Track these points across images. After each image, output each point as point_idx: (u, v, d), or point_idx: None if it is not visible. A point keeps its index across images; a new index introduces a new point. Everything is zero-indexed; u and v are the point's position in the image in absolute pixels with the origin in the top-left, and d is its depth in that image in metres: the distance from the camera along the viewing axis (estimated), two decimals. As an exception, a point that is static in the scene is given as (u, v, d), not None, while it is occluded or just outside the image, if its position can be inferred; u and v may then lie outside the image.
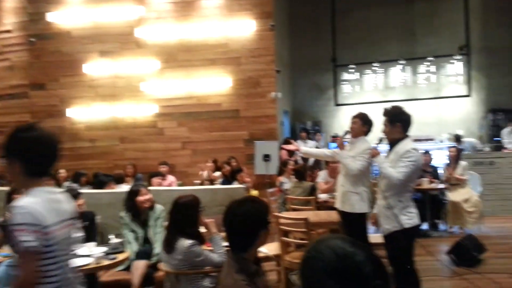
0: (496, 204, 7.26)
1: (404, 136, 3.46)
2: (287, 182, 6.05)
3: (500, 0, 10.18)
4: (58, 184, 6.66)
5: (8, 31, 8.87)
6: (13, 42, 8.82)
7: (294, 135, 10.17)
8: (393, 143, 3.49)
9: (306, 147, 4.12)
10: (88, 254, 3.20)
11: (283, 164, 6.67)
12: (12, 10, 8.90)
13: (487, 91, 10.28)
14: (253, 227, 1.91)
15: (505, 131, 8.37)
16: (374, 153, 3.49)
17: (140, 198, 3.77)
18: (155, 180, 5.66)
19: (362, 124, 4.08)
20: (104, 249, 3.32)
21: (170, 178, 7.27)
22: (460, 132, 9.91)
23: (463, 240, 4.97)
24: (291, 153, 8.39)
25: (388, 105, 3.66)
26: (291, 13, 10.89)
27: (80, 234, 3.76)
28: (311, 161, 8.66)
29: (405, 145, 3.39)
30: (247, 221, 1.91)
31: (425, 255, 5.21)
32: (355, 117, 4.19)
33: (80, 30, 8.52)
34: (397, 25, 10.54)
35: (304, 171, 5.75)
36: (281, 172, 6.60)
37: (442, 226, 6.63)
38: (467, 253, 4.83)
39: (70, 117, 8.57)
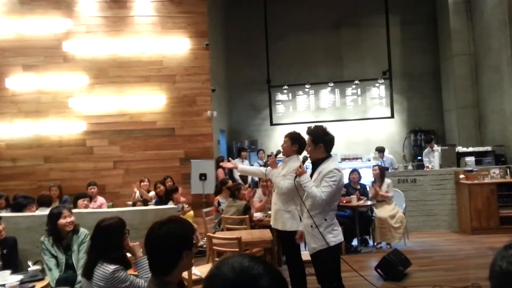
0: (420, 219, 7.75)
1: (327, 156, 3.55)
2: (225, 202, 6.01)
3: (416, 30, 11.13)
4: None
5: None
6: None
7: (231, 154, 10.20)
8: (316, 162, 3.57)
9: (242, 166, 4.10)
10: (1, 283, 2.91)
11: (221, 183, 6.63)
12: None
13: (408, 113, 11.11)
14: (175, 248, 1.83)
15: (425, 151, 9.03)
16: (299, 172, 3.51)
17: (62, 221, 3.52)
18: (81, 202, 5.33)
19: (292, 143, 4.18)
20: (20, 277, 3.04)
21: (100, 200, 6.91)
22: (386, 151, 10.59)
23: (389, 255, 5.21)
24: (226, 172, 8.40)
25: (311, 125, 3.74)
26: (227, 33, 11.07)
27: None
28: (249, 179, 8.73)
29: (328, 165, 3.47)
30: (168, 242, 1.83)
31: (354, 271, 5.40)
32: (285, 136, 4.29)
33: (2, 42, 7.97)
34: (326, 50, 11.13)
35: (238, 189, 5.74)
36: (219, 191, 6.54)
37: (371, 242, 6.90)
38: (393, 267, 5.07)
39: (-11, 134, 7.90)
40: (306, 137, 3.73)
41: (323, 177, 3.41)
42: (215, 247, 4.18)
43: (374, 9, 11.03)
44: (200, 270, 4.10)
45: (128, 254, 2.86)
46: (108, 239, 2.70)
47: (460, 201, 7.61)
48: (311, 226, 3.47)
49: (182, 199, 6.39)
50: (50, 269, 3.47)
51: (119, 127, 8.03)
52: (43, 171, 7.95)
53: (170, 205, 5.62)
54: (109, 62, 8.07)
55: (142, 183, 7.20)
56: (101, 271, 2.64)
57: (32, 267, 3.25)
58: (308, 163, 3.86)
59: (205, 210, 6.16)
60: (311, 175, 3.57)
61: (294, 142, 4.17)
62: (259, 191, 6.45)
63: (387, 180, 6.94)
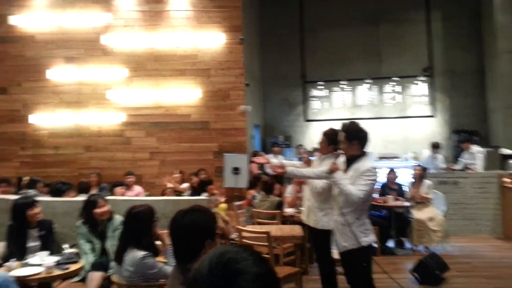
0: (460, 223, 7.41)
1: (362, 153, 3.43)
2: (259, 196, 5.99)
3: (459, 26, 10.65)
4: (19, 191, 6.32)
5: (-33, 33, 8.49)
6: (-27, 44, 8.44)
7: (264, 149, 10.15)
8: (351, 159, 3.45)
9: (291, 167, 3.92)
10: (39, 263, 3.01)
11: (255, 178, 6.60)
12: (-27, 11, 8.53)
13: (450, 112, 10.65)
14: (197, 237, 1.84)
15: (464, 153, 8.61)
16: (333, 169, 3.39)
17: (98, 210, 3.60)
18: (118, 190, 5.46)
19: (328, 144, 4.06)
20: (56, 258, 3.13)
21: (137, 189, 7.07)
22: (426, 151, 10.22)
23: (427, 258, 5.01)
24: (260, 166, 8.37)
25: (345, 122, 3.60)
26: (261, 28, 11.01)
27: (36, 243, 3.58)
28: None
29: (365, 163, 3.36)
30: (191, 231, 1.84)
31: (388, 273, 5.23)
32: (323, 134, 4.16)
33: (44, 35, 8.25)
34: (364, 45, 10.83)
35: (272, 184, 5.69)
36: (253, 186, 6.52)
37: (407, 244, 6.68)
38: (430, 271, 4.87)
39: (33, 123, 8.22)
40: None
41: (360, 175, 3.29)
42: (245, 240, 4.15)
43: (414, 3, 10.66)
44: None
45: (158, 242, 2.88)
46: (138, 226, 2.74)
47: (505, 206, 7.22)
48: (342, 224, 3.37)
49: (216, 191, 6.40)
50: (85, 253, 3.55)
51: (155, 119, 8.16)
52: (83, 159, 8.20)
53: (203, 196, 5.64)
54: (146, 55, 8.21)
55: (174, 175, 7.27)
56: (131, 257, 2.67)
57: (68, 250, 3.33)
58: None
59: (237, 203, 6.15)
60: (345, 172, 3.45)
61: (331, 143, 4.03)
62: (290, 187, 6.37)
63: (427, 181, 6.68)
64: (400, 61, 10.70)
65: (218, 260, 0.88)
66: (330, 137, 4.05)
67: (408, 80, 10.68)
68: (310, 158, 4.28)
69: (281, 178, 8.23)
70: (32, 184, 6.01)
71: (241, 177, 7.74)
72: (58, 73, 8.21)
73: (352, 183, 3.29)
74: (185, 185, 7.17)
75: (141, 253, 2.65)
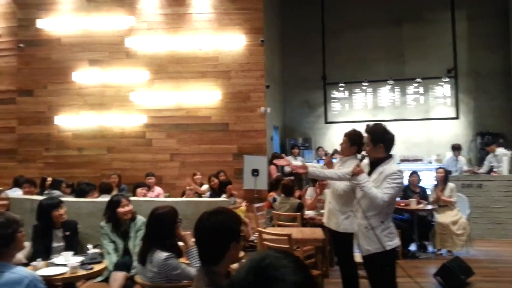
0: (485, 227, 7.22)
1: (387, 155, 3.36)
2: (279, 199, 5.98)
3: (485, 26, 10.40)
4: (42, 191, 6.49)
5: (-3, 36, 8.78)
6: (1, 47, 8.71)
7: (284, 151, 10.13)
8: (375, 162, 3.38)
9: (313, 168, 3.89)
10: (64, 263, 3.07)
11: (276, 180, 6.59)
12: (2, 16, 8.81)
13: (474, 114, 10.41)
14: (222, 239, 1.84)
15: (488, 156, 8.39)
16: (357, 171, 3.32)
17: (121, 209, 3.65)
18: (140, 191, 5.54)
19: (350, 145, 4.00)
20: (81, 258, 3.19)
21: (158, 190, 7.15)
22: (449, 153, 10.01)
23: (450, 262, 4.90)
24: (279, 168, 8.36)
25: (370, 123, 3.54)
26: (282, 30, 10.99)
27: (60, 243, 3.66)
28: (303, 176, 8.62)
29: (390, 166, 3.29)
30: (216, 233, 1.85)
31: (412, 277, 5.14)
32: (344, 135, 4.11)
33: (70, 38, 8.45)
34: (386, 46, 10.69)
35: (292, 187, 5.66)
36: (274, 188, 6.51)
37: (430, 248, 6.55)
38: (454, 276, 4.76)
39: (58, 124, 8.43)
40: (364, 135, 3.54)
41: (385, 178, 3.23)
42: (265, 243, 4.14)
43: (439, 3, 10.46)
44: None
45: (180, 243, 2.90)
46: (161, 227, 2.77)
47: (532, 210, 7.00)
48: (366, 227, 3.31)
49: (235, 192, 6.42)
50: (108, 253, 3.61)
51: (176, 121, 8.25)
52: (106, 160, 8.35)
53: (223, 198, 5.67)
54: (168, 58, 8.31)
55: (194, 177, 7.33)
56: (154, 258, 2.70)
57: (92, 250, 3.39)
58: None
59: (256, 205, 6.15)
60: (369, 175, 3.39)
61: (353, 144, 3.98)
62: (310, 189, 6.33)
63: (451, 184, 6.54)
64: (423, 62, 10.51)
65: (257, 264, 0.88)
66: (352, 138, 3.99)
67: (431, 81, 10.49)
68: (332, 160, 4.21)
69: (300, 180, 8.22)
70: (55, 185, 6.15)
71: (260, 179, 7.74)
72: (83, 76, 8.40)
73: (376, 186, 3.24)
74: (205, 187, 7.22)
75: (164, 254, 2.68)
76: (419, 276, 5.23)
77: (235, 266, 3.83)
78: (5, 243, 2.16)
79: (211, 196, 6.34)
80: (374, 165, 3.39)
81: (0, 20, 8.81)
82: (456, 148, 8.53)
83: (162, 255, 2.68)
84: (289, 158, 7.46)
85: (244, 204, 6.46)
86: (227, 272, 1.97)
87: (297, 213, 5.20)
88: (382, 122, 3.62)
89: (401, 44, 10.74)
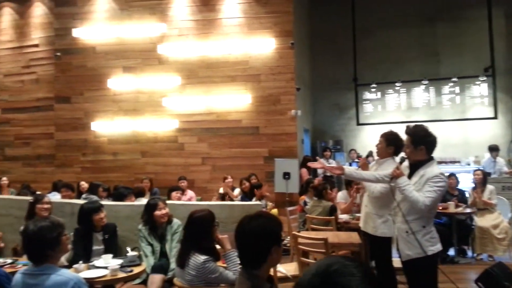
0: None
1: (428, 158, 3.25)
2: (311, 202, 5.93)
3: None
4: (79, 196, 6.70)
5: (35, 45, 9.17)
6: (40, 56, 9.09)
7: (314, 153, 10.04)
8: (416, 164, 3.27)
9: (349, 168, 3.82)
10: (104, 266, 3.14)
11: (307, 183, 6.53)
12: (40, 26, 9.20)
13: (514, 113, 9.98)
14: (264, 243, 1.84)
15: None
16: (397, 174, 3.22)
17: (158, 212, 3.71)
18: (174, 194, 5.62)
19: (387, 145, 3.91)
20: (120, 261, 3.26)
21: (190, 193, 7.24)
22: (487, 155, 9.64)
23: (493, 268, 4.69)
24: (311, 171, 8.28)
25: (411, 124, 3.42)
26: (312, 32, 10.91)
27: (100, 246, 3.76)
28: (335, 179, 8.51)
29: (432, 169, 3.17)
30: (257, 237, 1.84)
31: (451, 283, 4.96)
32: (380, 136, 4.02)
33: (104, 46, 8.71)
34: (420, 45, 10.42)
35: (324, 189, 5.59)
36: (304, 191, 6.45)
37: (469, 253, 6.33)
38: (497, 282, 4.55)
39: (94, 130, 8.69)
40: (404, 137, 3.44)
41: (427, 181, 3.13)
42: (300, 246, 4.10)
43: (475, 1, 10.11)
44: (285, 268, 4.06)
45: (217, 246, 2.91)
46: (199, 230, 2.79)
47: None
48: (407, 232, 3.22)
49: (266, 194, 6.39)
50: (146, 256, 3.67)
51: (207, 125, 8.33)
52: (139, 164, 8.53)
53: (255, 201, 5.67)
54: (198, 63, 8.41)
55: (226, 180, 7.36)
56: (193, 261, 2.72)
57: (131, 253, 3.46)
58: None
59: (289, 208, 6.11)
60: (409, 177, 3.29)
61: (390, 144, 3.88)
62: (342, 192, 6.23)
63: (490, 187, 6.30)
64: (459, 60, 10.18)
65: (325, 269, 0.88)
66: (389, 138, 3.90)
67: (468, 80, 10.14)
68: (368, 163, 4.13)
69: (332, 183, 8.11)
70: (93, 189, 6.32)
71: (291, 182, 7.69)
72: (117, 82, 8.62)
73: (417, 190, 3.14)
74: (237, 190, 7.24)
75: (202, 258, 2.69)
76: (458, 282, 5.04)
77: (280, 269, 3.83)
78: (51, 246, 2.23)
79: (242, 200, 6.34)
80: (414, 168, 3.29)
81: (39, 30, 9.19)
82: (493, 149, 8.21)
83: (200, 258, 2.70)
84: (322, 161, 7.38)
85: (272, 205, 6.43)
86: (268, 276, 1.96)
87: (331, 217, 5.13)
88: (417, 123, 3.51)
89: (435, 43, 10.45)
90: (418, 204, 3.09)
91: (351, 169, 3.85)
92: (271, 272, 3.63)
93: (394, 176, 3.26)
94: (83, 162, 8.67)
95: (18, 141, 9.14)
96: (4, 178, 8.00)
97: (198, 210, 2.89)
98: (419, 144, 3.24)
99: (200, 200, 7.31)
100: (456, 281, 5.14)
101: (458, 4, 10.26)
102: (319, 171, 7.96)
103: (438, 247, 3.22)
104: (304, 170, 8.23)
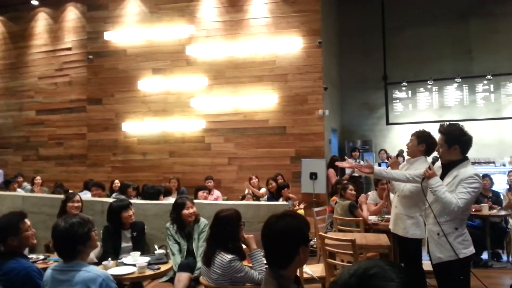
0: None
1: (462, 158, 3.13)
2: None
3: None
4: (112, 194, 6.87)
5: (68, 49, 9.48)
6: (72, 59, 9.39)
7: (342, 154, 9.91)
8: (449, 165, 3.17)
9: (379, 167, 3.75)
10: (132, 263, 3.20)
11: (336, 183, 6.45)
12: (72, 29, 9.50)
13: (553, 111, 9.52)
14: (291, 243, 1.81)
15: None
16: (429, 174, 3.12)
17: (185, 211, 3.76)
18: (201, 193, 5.68)
19: (418, 143, 3.81)
20: (148, 259, 3.31)
21: (216, 193, 7.28)
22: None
23: (530, 272, 4.50)
24: (338, 171, 8.17)
25: (445, 123, 3.32)
26: (340, 30, 10.78)
27: (128, 244, 3.84)
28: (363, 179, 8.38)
29: (466, 170, 3.06)
30: (285, 237, 1.82)
31: (487, 287, 4.78)
32: (412, 135, 3.93)
33: (134, 48, 8.89)
34: (452, 42, 10.10)
35: (344, 189, 5.47)
36: (336, 192, 6.37)
37: (504, 257, 6.09)
38: (535, 287, 4.36)
39: (125, 130, 8.90)
40: (437, 136, 3.33)
41: (460, 182, 3.02)
42: (327, 248, 4.05)
43: (510, -5, 9.73)
44: (311, 269, 4.02)
45: (243, 246, 2.92)
46: (225, 229, 2.80)
47: None
48: (438, 234, 3.11)
49: (292, 195, 6.35)
50: (173, 254, 3.72)
51: (233, 125, 8.37)
52: (168, 164, 8.67)
53: (282, 201, 5.64)
54: (225, 64, 8.46)
55: (251, 181, 7.35)
56: (219, 259, 2.73)
57: (158, 251, 3.51)
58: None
59: (316, 209, 6.05)
60: (441, 178, 3.19)
61: (421, 142, 3.78)
62: (373, 193, 6.11)
63: (526, 188, 6.04)
64: (493, 58, 9.81)
65: (364, 271, 0.86)
66: (420, 136, 3.81)
67: (503, 78, 9.76)
68: (399, 163, 4.03)
69: (361, 183, 7.96)
70: (123, 188, 6.46)
71: (318, 182, 7.63)
72: (147, 84, 8.80)
73: (450, 191, 3.04)
74: (263, 190, 7.23)
75: (228, 257, 2.70)
76: (492, 287, 4.86)
77: (306, 270, 3.80)
78: (81, 241, 2.29)
79: (268, 200, 6.33)
80: (447, 168, 3.18)
81: (71, 34, 9.49)
82: None
83: (226, 257, 2.71)
84: (350, 160, 7.28)
85: (302, 206, 6.37)
86: (295, 276, 1.94)
87: (358, 218, 5.03)
88: (449, 123, 3.39)
89: (468, 40, 10.11)
90: (451, 206, 2.98)
91: (381, 169, 3.77)
92: (297, 272, 3.60)
93: (426, 176, 3.16)
94: (113, 161, 8.89)
95: (51, 141, 9.47)
96: (38, 177, 8.31)
97: (224, 209, 2.91)
98: (453, 143, 3.13)
99: (227, 199, 7.36)
100: (490, 286, 4.95)
101: (491, 0, 9.90)
102: (347, 171, 7.84)
103: (471, 249, 3.11)
104: (331, 171, 8.14)
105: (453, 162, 3.15)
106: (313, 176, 7.63)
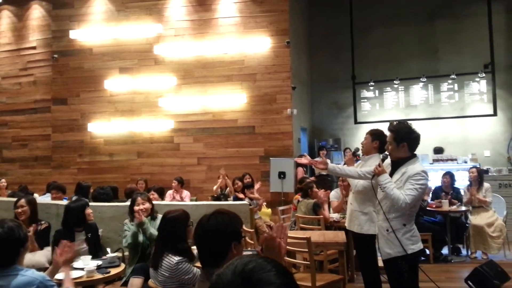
0: (525, 229, 6.82)
1: (411, 155, 3.22)
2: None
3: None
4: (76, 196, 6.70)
5: (33, 48, 9.23)
6: (37, 58, 9.15)
7: (312, 152, 10.00)
8: (398, 162, 3.25)
9: (333, 164, 3.81)
10: (82, 267, 3.15)
11: (299, 181, 6.50)
12: (37, 28, 9.26)
13: (514, 110, 9.85)
14: (223, 239, 1.82)
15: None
16: (378, 171, 3.21)
17: (135, 207, 3.70)
18: (169, 193, 5.62)
19: (372, 140, 3.92)
20: (99, 262, 3.26)
21: (185, 193, 7.25)
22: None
23: (483, 266, 4.64)
24: (307, 170, 8.24)
25: (393, 122, 3.41)
26: (310, 30, 10.87)
27: (83, 246, 3.76)
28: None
29: (414, 167, 3.14)
30: (216, 234, 1.82)
31: (444, 281, 4.92)
32: (366, 133, 4.04)
33: (101, 47, 8.74)
34: (419, 42, 10.32)
35: (310, 188, 5.53)
36: (299, 190, 6.42)
37: (463, 251, 6.27)
38: (487, 281, 4.51)
39: (91, 131, 8.73)
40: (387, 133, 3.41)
41: (408, 179, 3.10)
42: (287, 247, 4.08)
43: (474, -4, 10.01)
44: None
45: (194, 247, 2.90)
46: (173, 231, 2.77)
47: None
48: (387, 230, 3.19)
49: (254, 195, 6.33)
50: (125, 236, 3.66)
51: (203, 125, 8.33)
52: (136, 165, 8.56)
53: (245, 201, 5.65)
54: (194, 63, 8.41)
55: (218, 179, 7.32)
56: (166, 262, 2.71)
57: (110, 254, 3.46)
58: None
59: (281, 208, 6.10)
60: (390, 175, 3.27)
61: (375, 139, 3.90)
62: (337, 191, 6.19)
63: (486, 184, 6.24)
64: (458, 57, 10.07)
65: (243, 267, 0.91)
66: (374, 133, 3.94)
67: (467, 77, 10.03)
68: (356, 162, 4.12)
69: (324, 181, 8.05)
70: (84, 190, 6.29)
71: (287, 181, 7.67)
72: (114, 83, 8.66)
73: (398, 187, 3.11)
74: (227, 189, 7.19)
75: (176, 259, 2.68)
76: (450, 281, 5.01)
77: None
78: (22, 244, 2.28)
79: (234, 200, 6.33)
80: (396, 165, 3.27)
81: (36, 33, 9.25)
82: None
83: (173, 259, 2.69)
84: (317, 159, 7.35)
85: (262, 203, 6.37)
86: None
87: (319, 216, 5.09)
88: (415, 121, 3.50)
89: (434, 40, 10.34)
90: (398, 202, 3.06)
91: (335, 165, 3.84)
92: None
93: (376, 173, 3.23)
94: (79, 163, 8.71)
95: (15, 143, 9.21)
96: (3, 180, 8.06)
97: (171, 211, 2.89)
98: (401, 141, 3.22)
99: (196, 200, 7.32)
100: (448, 280, 5.10)
101: (458, 0, 10.15)
102: (317, 170, 7.93)
103: (419, 245, 3.19)
104: (300, 169, 8.20)
105: (401, 159, 3.23)
106: (282, 175, 7.67)
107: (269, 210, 6.76)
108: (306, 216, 5.19)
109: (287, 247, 4.01)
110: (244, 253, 3.25)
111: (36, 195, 6.33)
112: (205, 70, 8.37)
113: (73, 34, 8.83)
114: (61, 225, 3.85)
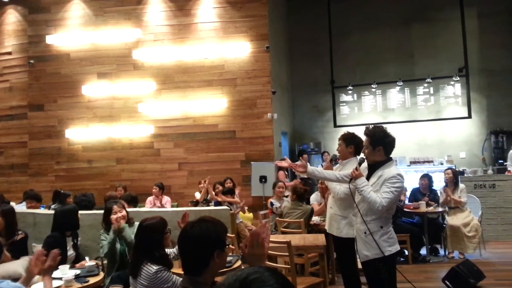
0: (499, 228, 7.04)
1: (387, 159, 3.29)
2: (277, 203, 5.93)
3: (496, 23, 10.17)
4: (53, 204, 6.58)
5: (8, 53, 9.04)
6: (13, 64, 8.97)
7: (293, 156, 10.07)
8: (374, 165, 3.32)
9: (312, 167, 3.83)
10: (60, 276, 3.10)
11: (273, 185, 6.53)
12: (13, 33, 9.08)
13: (487, 112, 10.15)
14: (205, 247, 1.80)
15: (510, 154, 8.14)
16: (356, 175, 3.26)
17: (113, 216, 3.66)
18: (149, 199, 5.56)
19: (346, 145, 3.97)
20: (77, 271, 3.21)
21: (166, 199, 7.20)
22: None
23: (459, 266, 4.77)
24: (288, 174, 8.29)
25: (369, 126, 3.48)
26: (289, 35, 10.98)
27: (71, 251, 3.70)
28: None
29: (390, 170, 3.21)
30: (198, 242, 1.81)
31: (423, 282, 5.02)
32: (339, 139, 4.10)
33: (78, 52, 8.63)
34: (395, 47, 10.54)
35: (304, 193, 5.57)
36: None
37: (441, 251, 6.41)
38: (463, 280, 4.63)
39: (68, 138, 8.59)
40: (363, 138, 3.48)
41: (384, 182, 3.16)
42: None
43: (448, 2, 10.28)
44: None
45: (169, 250, 2.89)
46: (150, 238, 2.75)
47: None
48: (365, 233, 3.24)
49: (233, 200, 6.33)
50: (102, 246, 3.62)
51: (183, 130, 8.30)
52: (115, 171, 8.45)
53: (225, 206, 5.64)
54: (174, 68, 8.38)
55: (199, 185, 7.31)
56: (145, 271, 2.68)
57: (89, 263, 3.41)
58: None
59: (262, 212, 6.12)
60: (367, 178, 3.33)
61: (349, 144, 3.97)
62: (317, 194, 6.25)
63: (461, 185, 6.41)
64: (433, 61, 10.32)
65: (246, 276, 0.92)
66: (346, 138, 3.99)
67: (442, 81, 10.29)
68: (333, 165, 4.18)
69: (310, 185, 8.12)
70: (62, 198, 6.19)
71: (268, 185, 7.69)
72: (92, 89, 8.54)
73: (375, 191, 3.18)
74: (197, 194, 7.18)
75: (154, 268, 2.64)
76: (428, 281, 5.11)
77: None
78: None
79: (216, 205, 6.32)
80: (373, 168, 3.33)
81: (12, 38, 9.07)
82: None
83: (152, 268, 2.66)
84: (297, 163, 7.40)
85: (243, 204, 6.38)
86: (213, 282, 1.94)
87: (300, 220, 5.13)
88: (393, 124, 3.57)
89: (410, 44, 10.58)
90: (375, 205, 3.11)
91: (314, 168, 3.87)
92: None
93: (353, 177, 3.29)
94: (57, 170, 8.55)
95: (-10, 150, 8.99)
96: (-22, 189, 7.86)
97: (148, 218, 2.86)
98: (377, 144, 3.28)
99: (177, 206, 7.28)
100: (426, 280, 5.21)
101: (431, 5, 10.41)
102: (300, 174, 7.97)
103: (396, 247, 3.25)
104: (281, 173, 8.24)
105: (378, 162, 3.29)
106: (263, 179, 7.70)
107: (251, 215, 6.78)
108: (293, 220, 5.21)
109: (269, 251, 4.05)
110: (228, 258, 3.25)
111: (13, 204, 6.18)
112: (185, 75, 8.35)
113: (49, 39, 8.68)
114: (51, 231, 3.77)
